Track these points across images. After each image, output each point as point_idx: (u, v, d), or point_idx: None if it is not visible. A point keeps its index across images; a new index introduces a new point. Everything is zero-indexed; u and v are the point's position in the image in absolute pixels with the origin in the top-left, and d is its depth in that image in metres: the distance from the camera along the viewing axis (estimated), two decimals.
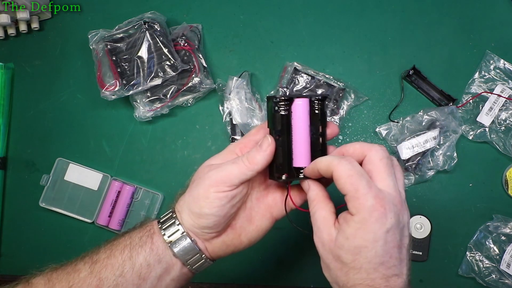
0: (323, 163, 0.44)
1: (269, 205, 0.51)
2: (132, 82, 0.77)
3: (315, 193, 0.46)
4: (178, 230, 0.47)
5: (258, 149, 0.45)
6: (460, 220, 0.79)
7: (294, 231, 0.80)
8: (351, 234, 0.40)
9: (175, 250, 0.47)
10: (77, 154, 0.83)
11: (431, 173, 0.78)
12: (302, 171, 0.48)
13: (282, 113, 0.46)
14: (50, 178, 0.81)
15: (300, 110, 0.46)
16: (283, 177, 0.47)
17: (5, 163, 0.84)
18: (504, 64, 0.81)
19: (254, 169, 0.45)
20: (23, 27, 0.84)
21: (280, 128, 0.46)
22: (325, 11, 0.84)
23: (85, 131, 0.84)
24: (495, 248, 0.76)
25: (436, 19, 0.83)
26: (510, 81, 0.80)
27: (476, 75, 0.81)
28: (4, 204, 0.84)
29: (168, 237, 0.47)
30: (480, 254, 0.77)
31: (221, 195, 0.45)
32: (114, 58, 0.78)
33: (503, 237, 0.77)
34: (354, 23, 0.84)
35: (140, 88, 0.77)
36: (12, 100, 0.86)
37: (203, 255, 0.49)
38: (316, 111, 0.48)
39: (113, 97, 0.77)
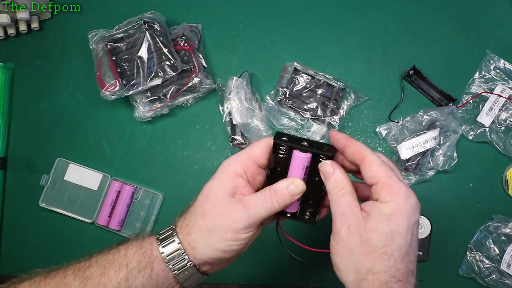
0: (357, 148, 0.44)
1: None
2: (132, 82, 0.77)
3: (341, 178, 0.44)
4: (184, 260, 0.46)
5: (291, 193, 0.45)
6: (460, 220, 0.79)
7: (294, 231, 0.80)
8: (386, 218, 0.41)
9: (181, 279, 0.47)
10: (77, 154, 0.83)
11: (431, 173, 0.78)
12: (288, 215, 0.49)
13: (281, 155, 0.46)
14: (50, 178, 0.81)
15: (299, 162, 0.46)
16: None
17: (5, 163, 0.84)
18: (504, 64, 0.81)
19: (278, 210, 0.46)
20: (23, 27, 0.84)
21: (275, 166, 0.47)
22: (325, 11, 0.84)
23: (85, 131, 0.84)
24: (495, 248, 0.76)
25: (436, 19, 0.83)
26: (510, 81, 0.80)
27: (476, 75, 0.81)
28: (4, 204, 0.84)
29: (173, 265, 0.46)
30: (480, 254, 0.76)
31: (250, 234, 0.46)
32: (114, 58, 0.78)
33: (503, 237, 0.77)
34: (354, 23, 0.84)
35: (140, 88, 0.77)
36: (12, 100, 0.86)
37: (205, 276, 0.49)
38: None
39: (113, 97, 0.77)
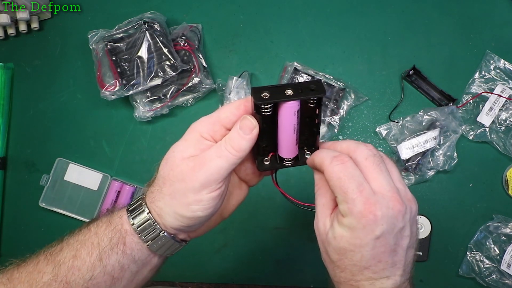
0: (317, 160, 0.42)
1: (243, 176, 0.48)
2: (132, 82, 0.77)
3: (318, 177, 0.43)
4: (156, 230, 0.43)
5: (241, 134, 0.40)
6: (460, 220, 0.79)
7: (294, 231, 0.80)
8: (338, 235, 0.39)
9: (155, 249, 0.44)
10: (77, 154, 0.83)
11: (431, 173, 0.78)
12: (286, 161, 0.45)
13: (266, 114, 0.41)
14: (50, 178, 0.81)
15: (288, 112, 0.41)
16: (269, 156, 0.45)
17: (5, 163, 0.84)
18: (504, 64, 0.81)
19: (241, 157, 0.41)
20: (23, 27, 0.84)
21: (263, 125, 0.42)
22: (325, 11, 0.84)
23: (85, 131, 0.84)
24: (495, 248, 0.76)
25: (436, 19, 0.83)
26: (510, 81, 0.80)
27: (476, 75, 0.81)
28: (4, 204, 0.83)
29: (145, 236, 0.43)
30: (480, 254, 0.76)
31: (215, 194, 0.41)
32: (114, 58, 0.78)
33: (503, 237, 0.77)
34: (354, 23, 0.84)
35: (140, 88, 0.77)
36: (12, 100, 0.86)
37: (183, 243, 0.46)
38: (311, 105, 0.42)
39: (113, 97, 0.77)
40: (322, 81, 0.80)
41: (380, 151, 0.82)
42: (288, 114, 0.41)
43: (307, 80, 0.42)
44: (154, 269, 0.47)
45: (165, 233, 0.43)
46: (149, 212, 0.43)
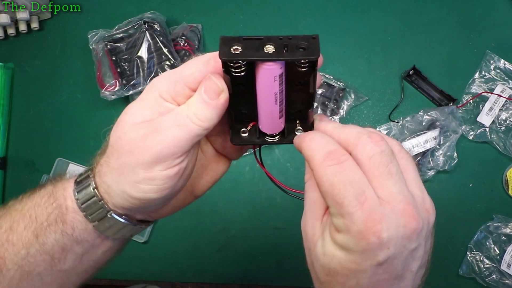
0: (305, 150, 0.31)
1: (220, 148, 0.39)
2: (132, 82, 0.77)
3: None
4: (103, 210, 0.35)
5: (206, 99, 0.31)
6: (460, 220, 0.79)
7: (294, 231, 0.80)
8: (329, 253, 0.29)
9: (102, 231, 0.36)
10: (77, 154, 0.83)
11: (431, 173, 0.78)
12: (269, 137, 0.36)
13: (237, 74, 0.31)
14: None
15: (266, 76, 0.30)
16: (249, 127, 0.36)
17: (5, 163, 0.84)
18: (505, 64, 0.81)
19: (207, 127, 0.32)
20: (23, 27, 0.84)
21: (235, 90, 0.32)
22: (325, 11, 0.84)
23: (85, 131, 0.84)
24: (495, 248, 0.76)
25: (436, 19, 0.83)
26: (510, 81, 0.80)
27: (476, 75, 0.81)
28: None
29: (91, 216, 0.35)
30: (480, 254, 0.76)
31: (171, 172, 0.32)
32: (114, 58, 0.78)
33: (503, 237, 0.77)
34: (354, 23, 0.84)
35: (140, 88, 0.77)
36: (12, 100, 0.86)
37: (142, 226, 0.38)
38: (301, 69, 0.31)
39: (113, 97, 0.77)
40: (322, 81, 0.80)
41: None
42: (266, 79, 0.30)
43: (303, 36, 0.31)
44: (110, 251, 0.39)
45: (113, 214, 0.35)
46: (96, 187, 0.35)
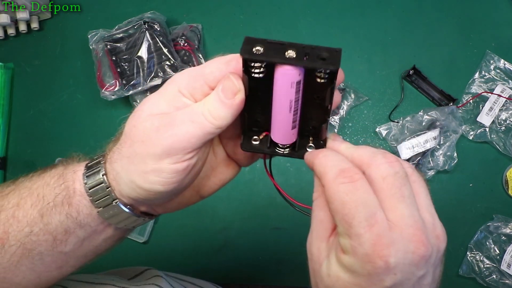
0: (317, 166, 0.31)
1: (231, 152, 0.39)
2: (132, 82, 0.77)
3: (319, 181, 0.32)
4: (109, 197, 0.35)
5: (222, 97, 0.32)
6: (460, 220, 0.79)
7: (294, 231, 0.80)
8: (334, 274, 0.29)
9: (106, 218, 0.37)
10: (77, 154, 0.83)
11: (431, 173, 0.78)
12: (280, 148, 0.35)
13: (257, 75, 0.31)
14: None
15: (283, 80, 0.30)
16: (261, 136, 0.36)
17: (5, 163, 0.84)
18: (505, 64, 0.81)
19: (220, 126, 0.32)
20: (23, 27, 0.84)
21: (252, 93, 0.32)
22: (325, 11, 0.84)
23: (85, 131, 0.84)
24: (495, 248, 0.76)
25: (436, 19, 0.83)
26: (510, 81, 0.80)
27: (476, 75, 0.81)
28: None
29: (96, 202, 0.36)
30: (480, 254, 0.76)
31: (180, 166, 0.32)
32: (114, 58, 0.78)
33: (503, 237, 0.77)
34: (354, 23, 0.84)
35: (140, 88, 0.77)
36: (12, 100, 0.86)
37: (145, 218, 0.39)
38: (320, 80, 0.31)
39: (113, 97, 0.77)
40: None
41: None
42: (283, 84, 0.30)
43: (326, 47, 0.30)
44: (111, 240, 0.39)
45: (118, 203, 0.36)
46: (105, 174, 0.36)
